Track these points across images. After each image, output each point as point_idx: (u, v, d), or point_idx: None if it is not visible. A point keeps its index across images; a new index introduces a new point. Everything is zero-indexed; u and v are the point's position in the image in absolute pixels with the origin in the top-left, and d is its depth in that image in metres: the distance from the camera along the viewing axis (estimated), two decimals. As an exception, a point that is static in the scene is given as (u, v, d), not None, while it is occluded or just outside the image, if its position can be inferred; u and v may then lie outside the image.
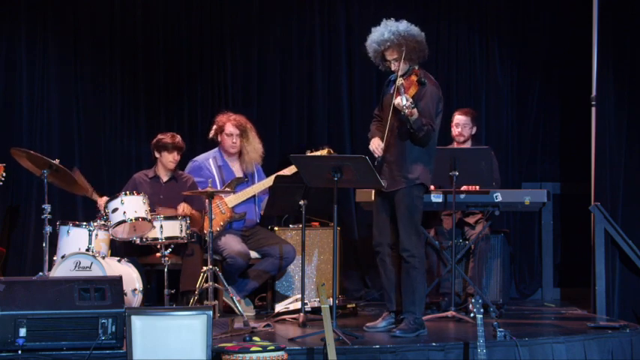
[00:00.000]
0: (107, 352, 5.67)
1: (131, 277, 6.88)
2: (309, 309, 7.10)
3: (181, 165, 7.77)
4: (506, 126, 9.06)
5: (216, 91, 8.80)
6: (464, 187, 7.57)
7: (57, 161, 6.89)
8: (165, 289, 6.86)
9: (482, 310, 5.88)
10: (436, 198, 7.61)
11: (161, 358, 5.41)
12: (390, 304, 6.64)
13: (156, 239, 6.97)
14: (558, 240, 9.09)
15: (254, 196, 7.77)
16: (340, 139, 8.79)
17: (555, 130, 9.16)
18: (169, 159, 7.58)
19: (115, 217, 6.94)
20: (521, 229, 9.08)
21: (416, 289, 6.46)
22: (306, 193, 6.98)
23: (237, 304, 7.08)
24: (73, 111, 8.53)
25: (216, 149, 7.88)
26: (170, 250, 6.99)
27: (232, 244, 7.52)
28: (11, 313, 5.58)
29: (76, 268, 6.78)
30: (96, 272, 6.70)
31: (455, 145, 7.88)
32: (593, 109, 7.96)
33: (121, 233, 7.07)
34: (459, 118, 7.89)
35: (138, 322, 5.44)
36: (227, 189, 7.58)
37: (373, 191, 6.76)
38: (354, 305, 7.59)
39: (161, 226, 6.96)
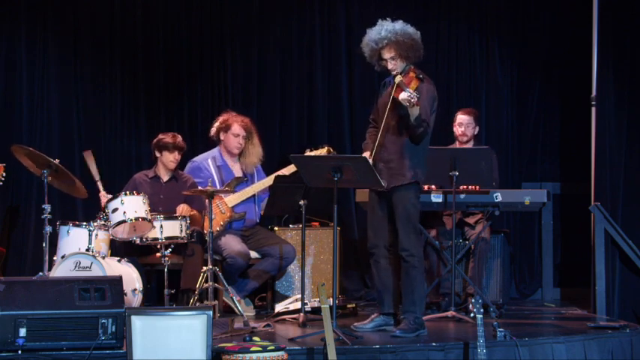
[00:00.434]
0: (107, 352, 5.67)
1: (131, 277, 6.88)
2: (309, 309, 7.10)
3: (181, 165, 7.77)
4: (506, 126, 9.06)
5: (216, 91, 8.80)
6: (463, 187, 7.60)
7: (57, 161, 6.89)
8: (166, 289, 6.86)
9: (482, 310, 5.89)
10: (436, 198, 7.61)
11: (161, 358, 5.41)
12: (382, 306, 6.64)
13: (156, 239, 6.97)
14: (558, 240, 9.09)
15: (254, 195, 7.77)
16: (340, 139, 8.79)
17: (555, 130, 9.17)
18: (170, 159, 7.58)
19: (115, 217, 6.94)
20: (521, 229, 9.08)
21: (415, 289, 6.46)
22: (306, 193, 6.98)
23: (237, 304, 7.08)
24: (73, 111, 8.53)
25: (215, 149, 7.88)
26: (170, 250, 6.99)
27: (232, 244, 7.52)
28: (11, 313, 5.58)
29: (76, 268, 6.78)
30: (96, 272, 6.69)
31: (457, 145, 7.89)
32: (593, 109, 7.96)
33: (121, 233, 7.07)
34: (462, 118, 7.89)
35: (138, 322, 5.44)
36: (227, 188, 7.58)
37: (360, 192, 6.76)
38: (354, 305, 7.60)
39: (161, 226, 6.96)
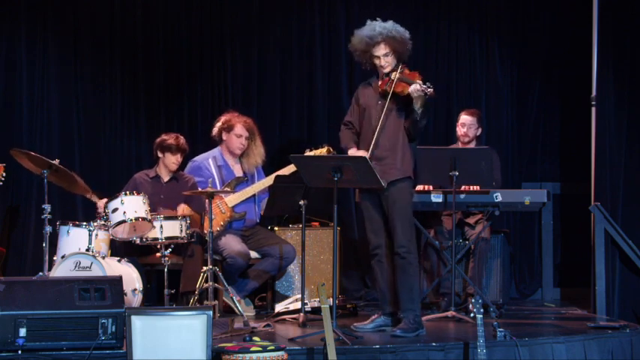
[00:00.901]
0: (107, 352, 5.67)
1: (131, 277, 6.88)
2: (309, 309, 7.10)
3: (181, 165, 7.77)
4: (506, 126, 9.06)
5: (216, 91, 8.79)
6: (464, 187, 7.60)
7: (57, 161, 6.89)
8: (165, 289, 6.86)
9: (482, 310, 5.89)
10: (436, 198, 7.61)
11: (161, 358, 5.41)
12: (386, 306, 6.64)
13: (156, 239, 6.97)
14: (558, 240, 9.09)
15: (254, 195, 7.77)
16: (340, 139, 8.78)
17: (555, 130, 9.17)
18: (172, 160, 7.58)
19: (115, 217, 6.94)
20: (521, 229, 9.08)
21: (413, 286, 6.48)
22: (306, 193, 6.98)
23: (237, 304, 7.08)
24: (73, 111, 8.53)
25: (216, 149, 7.88)
26: (170, 250, 6.99)
27: (232, 244, 7.52)
28: (11, 313, 5.58)
29: (76, 268, 6.78)
30: (96, 272, 6.69)
31: (459, 145, 7.89)
32: (593, 109, 7.96)
33: (121, 233, 7.07)
34: (465, 118, 7.89)
35: (138, 322, 5.44)
36: (227, 188, 7.58)
37: (357, 192, 6.77)
38: (354, 305, 7.60)
39: (161, 226, 6.96)
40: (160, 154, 7.62)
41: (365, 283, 8.76)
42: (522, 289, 9.01)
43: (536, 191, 7.80)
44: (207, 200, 7.00)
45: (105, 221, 7.04)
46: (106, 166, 8.52)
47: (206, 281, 6.87)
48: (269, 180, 7.66)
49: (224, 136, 7.79)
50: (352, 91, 8.75)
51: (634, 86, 7.90)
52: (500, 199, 7.55)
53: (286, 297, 7.75)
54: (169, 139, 7.58)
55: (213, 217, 7.13)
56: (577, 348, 6.36)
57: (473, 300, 5.97)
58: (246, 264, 7.57)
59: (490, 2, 9.06)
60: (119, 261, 6.99)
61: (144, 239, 7.01)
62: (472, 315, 5.92)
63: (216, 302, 6.98)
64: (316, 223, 8.10)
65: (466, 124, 7.88)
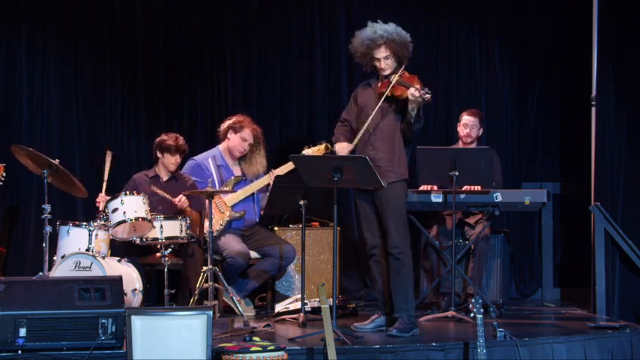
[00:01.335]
0: (107, 352, 5.68)
1: (131, 277, 6.88)
2: (309, 309, 7.10)
3: (181, 165, 7.77)
4: (506, 126, 9.06)
5: (216, 91, 8.79)
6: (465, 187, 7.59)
7: (57, 161, 6.89)
8: (165, 289, 6.86)
9: (482, 310, 5.89)
10: (436, 198, 7.61)
11: (161, 358, 5.41)
12: (385, 306, 6.64)
13: (156, 239, 6.97)
14: (558, 240, 9.09)
15: (253, 194, 7.77)
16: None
17: (555, 130, 9.17)
18: (171, 161, 7.58)
19: (115, 217, 6.94)
20: (521, 229, 9.08)
21: (407, 287, 6.49)
22: (306, 193, 6.98)
23: (237, 304, 7.08)
24: (73, 111, 8.53)
25: (215, 149, 7.88)
26: (170, 250, 6.99)
27: (232, 244, 7.52)
28: (11, 313, 5.58)
29: (76, 268, 6.78)
30: (96, 272, 6.69)
31: (460, 145, 7.89)
32: (593, 109, 7.96)
33: (121, 233, 7.07)
34: (467, 119, 7.88)
35: (138, 322, 5.44)
36: (226, 188, 7.58)
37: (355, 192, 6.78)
38: (354, 305, 7.60)
39: (161, 226, 6.96)
40: (159, 155, 7.62)
41: (365, 283, 8.76)
42: (522, 289, 9.01)
43: (536, 191, 7.80)
44: (206, 200, 7.00)
45: (105, 221, 7.04)
46: (112, 164, 8.50)
47: (206, 281, 6.87)
48: (267, 178, 7.67)
49: (229, 135, 7.78)
50: (352, 91, 8.79)
51: (634, 86, 7.90)
52: (500, 199, 7.55)
53: (286, 297, 7.75)
54: (169, 139, 7.58)
55: (212, 216, 7.13)
56: (577, 348, 6.36)
57: (473, 300, 5.97)
58: (246, 264, 7.57)
59: (490, 2, 9.06)
60: (119, 261, 6.99)
61: (144, 239, 7.01)
62: (472, 315, 5.92)
63: (216, 302, 6.98)
64: (316, 223, 8.10)
65: (469, 124, 7.87)
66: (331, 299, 6.43)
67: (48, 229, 6.82)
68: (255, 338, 5.89)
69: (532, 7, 9.07)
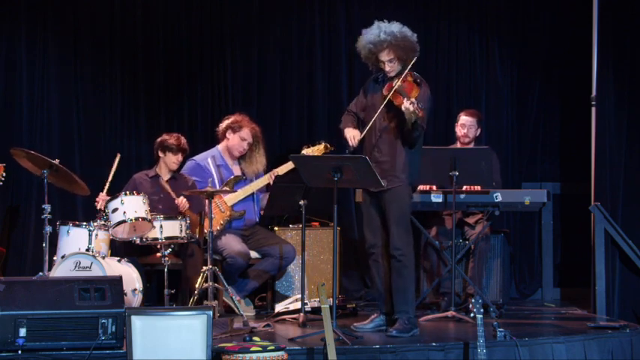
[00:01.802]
0: (107, 352, 5.68)
1: (131, 277, 6.88)
2: (309, 309, 7.10)
3: (180, 164, 7.77)
4: (506, 126, 9.06)
5: (216, 91, 8.79)
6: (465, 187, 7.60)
7: (57, 161, 6.89)
8: (165, 289, 6.86)
9: (482, 310, 5.89)
10: (436, 198, 7.61)
11: (161, 358, 5.41)
12: (383, 306, 6.65)
13: (156, 239, 6.97)
14: (558, 240, 9.09)
15: (253, 194, 7.77)
16: (340, 139, 8.76)
17: (555, 130, 9.17)
18: (173, 160, 7.59)
19: (115, 217, 6.94)
20: (521, 229, 9.08)
21: (407, 289, 6.48)
22: (306, 193, 6.98)
23: (237, 304, 7.08)
24: (73, 111, 8.53)
25: (214, 149, 7.88)
26: (170, 250, 6.99)
27: (232, 243, 7.52)
28: (11, 313, 5.58)
29: (76, 268, 6.78)
30: (96, 272, 6.69)
31: (458, 145, 7.89)
32: (593, 109, 7.96)
33: (121, 233, 7.07)
34: (465, 119, 7.89)
35: (138, 322, 5.44)
36: (225, 188, 7.58)
37: (360, 192, 6.77)
38: (354, 305, 7.60)
39: (161, 226, 6.96)
40: (160, 154, 7.62)
41: (365, 283, 8.76)
42: (522, 289, 9.01)
43: (536, 191, 7.80)
44: (206, 200, 7.00)
45: (105, 221, 7.04)
46: (106, 166, 8.49)
47: (206, 281, 6.87)
48: (267, 178, 7.67)
49: (228, 135, 7.79)
50: (352, 91, 8.81)
51: (634, 86, 7.90)
52: (500, 199, 7.55)
53: (286, 297, 7.75)
54: (171, 138, 7.58)
55: (212, 216, 7.13)
56: (577, 348, 6.36)
57: (473, 300, 5.97)
58: (246, 264, 7.57)
59: (490, 2, 9.06)
60: (119, 261, 6.99)
61: (144, 239, 7.02)
62: (472, 315, 5.92)
63: (216, 302, 6.98)
64: (316, 223, 8.10)
65: (466, 124, 7.88)
66: (331, 299, 6.43)
67: (48, 229, 6.83)
68: (255, 338, 5.89)
69: (532, 7, 9.07)
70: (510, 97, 9.09)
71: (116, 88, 8.64)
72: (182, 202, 7.35)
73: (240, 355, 5.47)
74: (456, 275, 7.38)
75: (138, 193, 7.05)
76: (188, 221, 7.11)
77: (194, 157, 7.88)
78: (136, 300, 6.84)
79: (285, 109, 8.90)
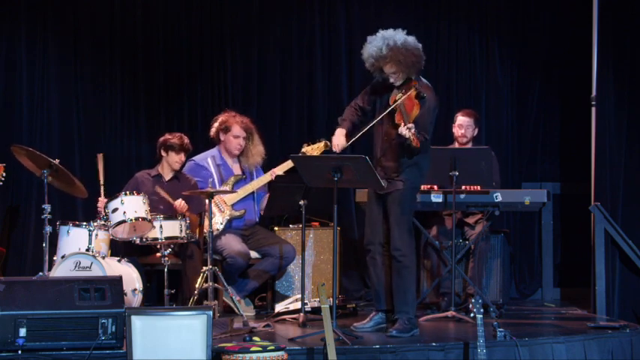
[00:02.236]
0: (107, 352, 5.68)
1: (131, 277, 6.88)
2: (309, 309, 7.10)
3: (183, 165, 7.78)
4: (506, 126, 9.06)
5: (216, 91, 8.79)
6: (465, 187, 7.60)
7: (57, 161, 6.89)
8: (165, 289, 6.86)
9: (482, 310, 5.89)
10: (436, 198, 7.61)
11: (161, 358, 5.41)
12: (378, 304, 6.66)
13: (156, 239, 6.97)
14: (558, 240, 9.09)
15: (253, 193, 7.77)
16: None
17: (555, 130, 9.17)
18: (176, 159, 7.58)
19: (115, 217, 6.94)
20: (521, 229, 9.08)
21: (408, 289, 6.48)
22: (306, 193, 6.98)
23: (237, 304, 7.07)
24: (73, 111, 8.53)
25: (214, 149, 7.88)
26: (170, 250, 6.99)
27: (232, 243, 7.52)
28: (11, 313, 5.58)
29: (76, 268, 6.78)
30: (96, 272, 6.69)
31: (456, 146, 7.88)
32: (593, 109, 7.96)
33: (121, 233, 7.07)
34: (462, 120, 7.89)
35: (138, 322, 5.44)
36: (225, 187, 7.58)
37: (360, 192, 6.77)
38: (354, 305, 7.60)
39: (161, 226, 6.96)
40: (163, 153, 7.62)
41: (365, 283, 8.75)
42: (522, 289, 9.01)
43: (536, 191, 7.80)
44: (207, 200, 7.00)
45: (105, 221, 7.04)
46: (106, 166, 8.50)
47: (206, 281, 6.87)
48: (267, 177, 7.67)
49: (222, 137, 7.79)
50: (352, 91, 8.82)
51: (634, 86, 7.90)
52: (500, 199, 7.55)
53: (286, 297, 7.75)
54: (173, 138, 7.58)
55: (212, 215, 7.13)
56: (577, 348, 6.36)
57: (473, 300, 5.97)
58: (246, 264, 7.57)
59: (490, 2, 9.06)
60: (119, 261, 6.99)
61: (144, 239, 7.02)
62: (472, 315, 5.92)
63: (216, 302, 6.98)
64: (316, 223, 8.10)
65: (463, 125, 7.88)
66: (331, 299, 6.43)
67: (48, 229, 6.82)
68: (255, 338, 5.89)
69: (532, 7, 9.07)
70: (510, 97, 9.09)
71: (116, 88, 8.64)
72: (180, 204, 7.34)
73: (240, 355, 5.47)
74: (456, 275, 7.38)
75: (138, 193, 7.04)
76: (188, 221, 7.11)
77: (194, 158, 7.88)
78: (136, 300, 6.84)
79: (285, 109, 8.90)
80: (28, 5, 8.44)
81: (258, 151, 7.84)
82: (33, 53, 8.44)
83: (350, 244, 8.69)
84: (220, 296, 7.28)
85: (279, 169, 7.70)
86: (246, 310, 7.40)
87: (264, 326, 6.73)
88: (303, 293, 7.03)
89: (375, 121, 6.44)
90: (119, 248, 7.40)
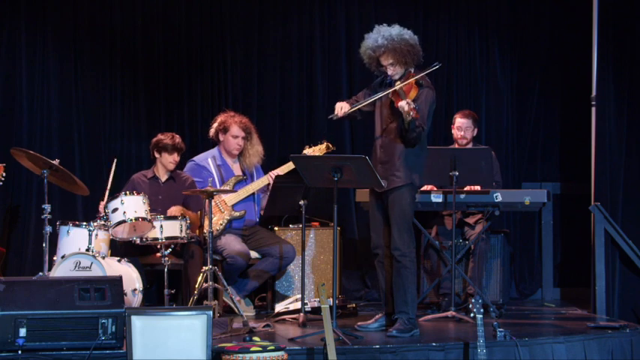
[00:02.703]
0: (107, 352, 5.67)
1: (131, 277, 6.88)
2: (309, 309, 7.10)
3: (180, 165, 7.77)
4: (506, 126, 9.06)
5: (216, 91, 8.79)
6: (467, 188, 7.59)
7: (57, 161, 6.89)
8: (165, 289, 6.86)
9: (482, 310, 5.89)
10: (436, 198, 7.61)
11: (161, 358, 5.41)
12: (387, 306, 6.65)
13: (156, 239, 6.97)
14: (558, 240, 9.09)
15: (253, 194, 7.77)
16: (340, 139, 8.79)
17: (555, 130, 9.17)
18: (169, 160, 7.58)
19: (115, 217, 6.94)
20: (521, 229, 9.08)
21: (407, 289, 6.48)
22: (306, 193, 6.98)
23: (237, 304, 7.07)
24: (73, 111, 8.53)
25: (214, 149, 7.88)
26: (170, 250, 6.99)
27: (232, 243, 7.52)
28: (11, 313, 5.58)
29: (76, 268, 6.77)
30: (96, 272, 6.69)
31: (456, 147, 7.88)
32: (593, 109, 7.96)
33: (121, 233, 7.07)
34: (460, 121, 7.89)
35: (138, 322, 5.44)
36: (226, 188, 7.58)
37: (360, 192, 6.77)
38: (354, 305, 7.59)
39: (161, 226, 6.96)
40: (156, 155, 7.62)
41: (365, 283, 8.76)
42: (522, 289, 9.01)
43: (536, 191, 7.79)
44: (206, 200, 7.00)
45: (105, 221, 7.04)
46: (106, 166, 8.51)
47: (206, 281, 6.87)
48: (267, 178, 7.67)
49: (221, 137, 7.79)
50: (352, 92, 8.80)
51: (634, 86, 7.90)
52: (500, 199, 7.55)
53: (286, 297, 7.75)
54: (165, 138, 7.58)
55: (212, 216, 7.13)
56: (577, 348, 6.36)
57: (473, 300, 5.97)
58: (246, 264, 7.57)
59: (490, 2, 9.06)
60: (119, 261, 6.99)
61: (144, 239, 7.01)
62: (472, 315, 5.92)
63: (216, 302, 6.98)
64: (316, 223, 8.10)
65: (462, 127, 7.88)
66: (331, 299, 6.43)
67: (48, 229, 6.82)
68: (255, 338, 5.89)
69: (532, 8, 9.07)
70: (510, 97, 9.09)
71: (116, 88, 8.64)
72: (174, 210, 7.34)
73: (240, 355, 5.47)
74: (455, 275, 7.38)
75: (138, 193, 7.04)
76: (188, 221, 7.11)
77: (194, 158, 7.88)
78: (136, 300, 6.84)
79: (285, 109, 8.90)
80: (28, 5, 8.43)
81: (256, 151, 7.83)
82: (33, 53, 8.44)
83: (350, 244, 8.70)
84: (220, 296, 7.29)
85: (280, 171, 7.70)
86: (246, 310, 7.40)
87: (264, 326, 6.73)
88: (303, 293, 7.03)
89: (376, 97, 6.45)
90: (119, 248, 7.39)
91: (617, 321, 7.09)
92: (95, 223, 7.02)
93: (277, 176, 7.54)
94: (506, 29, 9.08)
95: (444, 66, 8.98)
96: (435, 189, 7.65)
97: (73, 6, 8.53)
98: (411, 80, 6.39)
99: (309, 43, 8.93)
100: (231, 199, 7.68)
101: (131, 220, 6.93)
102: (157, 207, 7.37)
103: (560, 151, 9.17)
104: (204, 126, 8.43)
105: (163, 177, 7.65)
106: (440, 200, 7.61)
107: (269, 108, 8.86)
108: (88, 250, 6.88)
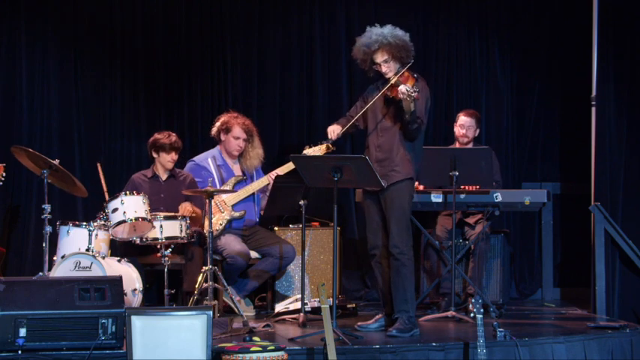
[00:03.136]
0: (107, 352, 5.68)
1: (131, 277, 6.88)
2: (309, 309, 7.10)
3: (180, 164, 7.77)
4: (506, 126, 9.06)
5: (216, 91, 8.79)
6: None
7: (57, 161, 6.89)
8: (165, 289, 6.86)
9: (482, 310, 5.89)
10: (436, 198, 7.61)
11: (161, 358, 5.41)
12: (386, 307, 6.65)
13: (156, 239, 6.96)
14: (558, 240, 9.09)
15: (253, 194, 7.77)
16: (340, 139, 8.77)
17: (555, 130, 9.17)
18: (167, 159, 7.58)
19: (115, 217, 6.94)
20: (521, 229, 9.08)
21: (407, 288, 6.48)
22: (306, 193, 6.98)
23: (237, 304, 7.08)
24: (73, 111, 8.53)
25: (215, 149, 7.88)
26: (170, 250, 6.99)
27: (232, 243, 7.52)
28: (11, 313, 5.58)
29: (76, 268, 6.77)
30: (96, 272, 6.69)
31: (457, 146, 7.89)
32: (593, 109, 7.96)
33: (121, 233, 7.07)
34: (464, 120, 7.89)
35: (138, 322, 5.44)
36: (226, 188, 7.58)
37: (360, 192, 6.77)
38: (354, 305, 7.60)
39: (161, 226, 6.96)
40: (154, 155, 7.62)
41: (365, 283, 8.76)
42: (522, 289, 9.01)
43: (536, 191, 7.80)
44: (207, 200, 7.00)
45: (105, 221, 7.04)
46: (105, 166, 8.51)
47: (206, 281, 6.87)
48: (267, 178, 7.67)
49: (222, 137, 7.80)
50: (352, 92, 8.84)
51: (634, 86, 7.90)
52: (500, 199, 7.55)
53: (286, 297, 7.75)
54: (162, 138, 7.57)
55: (212, 216, 7.13)
56: (577, 348, 6.36)
57: (473, 300, 5.97)
58: (246, 264, 7.57)
59: (490, 2, 9.06)
60: (119, 261, 6.99)
61: (144, 239, 7.01)
62: (472, 315, 5.93)
63: (216, 302, 6.98)
64: (316, 223, 8.10)
65: (465, 125, 7.88)
66: (331, 299, 6.43)
67: (48, 229, 6.82)
68: (255, 338, 5.89)
69: (532, 8, 9.07)
70: (510, 97, 9.09)
71: (116, 88, 8.64)
72: (185, 209, 7.33)
73: (240, 355, 5.48)
74: (455, 275, 7.39)
75: (138, 193, 7.04)
76: (188, 221, 7.10)
77: (194, 158, 7.88)
78: (136, 300, 6.84)
79: (285, 109, 8.90)
80: (28, 5, 8.43)
81: (256, 153, 7.84)
82: (33, 53, 8.44)
83: (350, 244, 8.70)
84: (220, 296, 7.29)
85: (280, 171, 7.70)
86: (246, 310, 7.40)
87: (264, 326, 6.73)
88: (303, 293, 7.03)
89: (374, 98, 6.47)
90: (119, 248, 7.39)
91: (617, 321, 7.09)
92: (95, 223, 7.02)
93: (277, 176, 7.54)
94: (506, 29, 9.08)
95: (444, 66, 9.03)
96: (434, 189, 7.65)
97: (73, 6, 8.53)
98: (406, 72, 6.41)
99: (309, 43, 8.93)
100: (231, 199, 7.68)
101: (131, 220, 6.92)
102: (160, 206, 7.37)
103: (560, 151, 9.17)
104: (204, 126, 8.44)
105: (163, 176, 7.65)
106: (440, 200, 7.61)
107: (269, 108, 8.86)
108: (88, 250, 6.88)
